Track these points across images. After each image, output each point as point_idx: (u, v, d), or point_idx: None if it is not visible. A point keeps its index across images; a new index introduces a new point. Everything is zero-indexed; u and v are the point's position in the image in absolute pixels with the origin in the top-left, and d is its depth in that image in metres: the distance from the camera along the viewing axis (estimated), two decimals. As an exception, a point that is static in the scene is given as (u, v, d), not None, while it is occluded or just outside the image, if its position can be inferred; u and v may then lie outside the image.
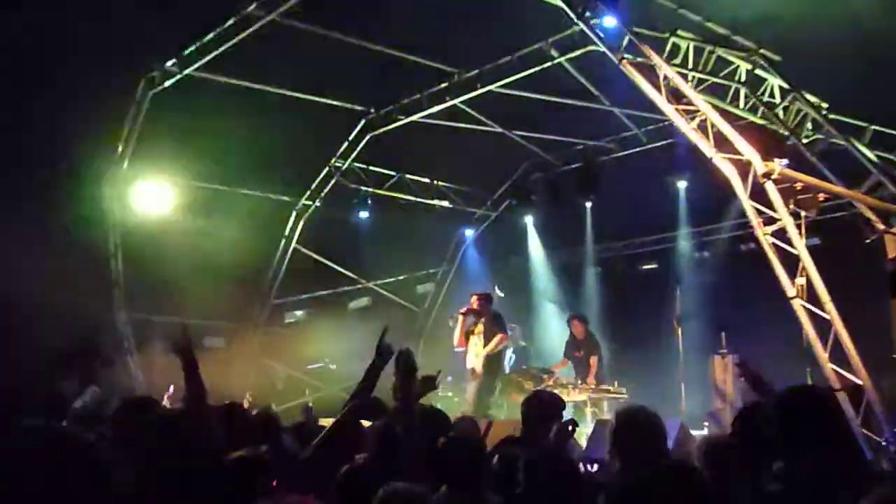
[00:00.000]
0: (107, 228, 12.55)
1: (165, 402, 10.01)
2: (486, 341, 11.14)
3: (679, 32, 9.78)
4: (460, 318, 11.52)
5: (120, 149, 12.21)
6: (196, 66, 11.15)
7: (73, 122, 10.48)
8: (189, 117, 11.56)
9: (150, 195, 12.74)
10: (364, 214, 14.84)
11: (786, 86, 10.55)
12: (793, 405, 3.65)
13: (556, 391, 10.79)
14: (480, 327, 11.30)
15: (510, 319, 13.69)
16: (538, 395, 5.92)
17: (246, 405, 9.00)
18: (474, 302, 11.53)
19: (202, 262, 12.40)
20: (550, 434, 4.93)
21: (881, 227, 10.33)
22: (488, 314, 11.40)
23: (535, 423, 5.29)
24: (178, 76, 11.40)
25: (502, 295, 15.83)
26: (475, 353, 11.22)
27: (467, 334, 11.42)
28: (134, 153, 12.25)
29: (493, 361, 11.16)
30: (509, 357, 13.08)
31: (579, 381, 11.75)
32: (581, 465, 5.83)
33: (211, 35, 10.69)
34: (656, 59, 9.17)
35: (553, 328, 15.04)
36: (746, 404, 4.54)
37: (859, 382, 8.72)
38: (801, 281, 8.86)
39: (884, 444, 8.32)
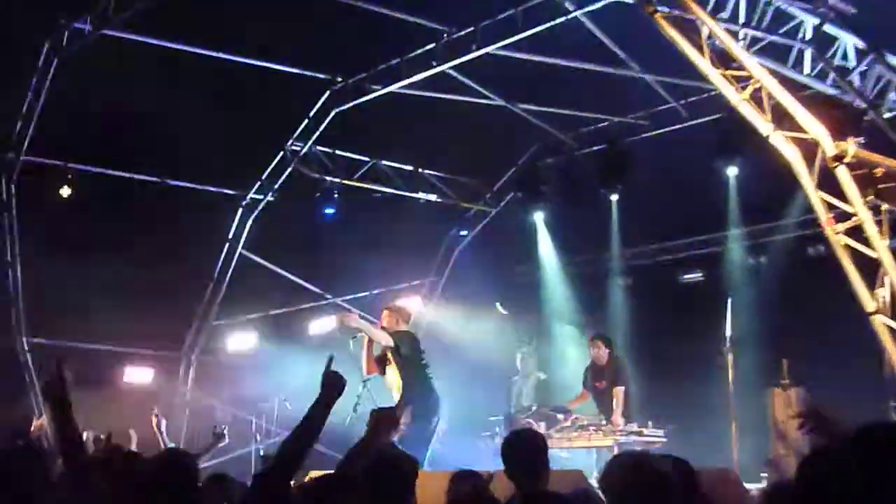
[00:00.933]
0: (3, 231, 12.58)
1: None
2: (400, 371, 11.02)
3: (727, -23, 9.87)
4: (364, 338, 11.27)
5: (18, 127, 12.23)
6: (114, 24, 11.19)
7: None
8: (104, 89, 11.58)
9: (53, 186, 12.77)
10: (329, 211, 14.84)
11: (863, 46, 10.61)
12: (871, 448, 3.58)
13: (574, 435, 11.01)
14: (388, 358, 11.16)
15: (518, 345, 13.74)
16: (511, 437, 5.99)
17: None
18: (385, 317, 11.39)
19: (122, 274, 12.41)
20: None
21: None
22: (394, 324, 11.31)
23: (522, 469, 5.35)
24: (91, 37, 11.42)
25: (505, 314, 15.87)
26: (396, 387, 11.14)
27: (380, 360, 11.23)
28: (35, 132, 12.26)
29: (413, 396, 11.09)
30: (520, 392, 13.10)
31: (603, 421, 11.76)
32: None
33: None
34: (698, 12, 9.23)
35: (572, 355, 15.06)
36: (813, 449, 4.51)
37: (957, 420, 8.78)
38: (882, 292, 8.91)
39: None
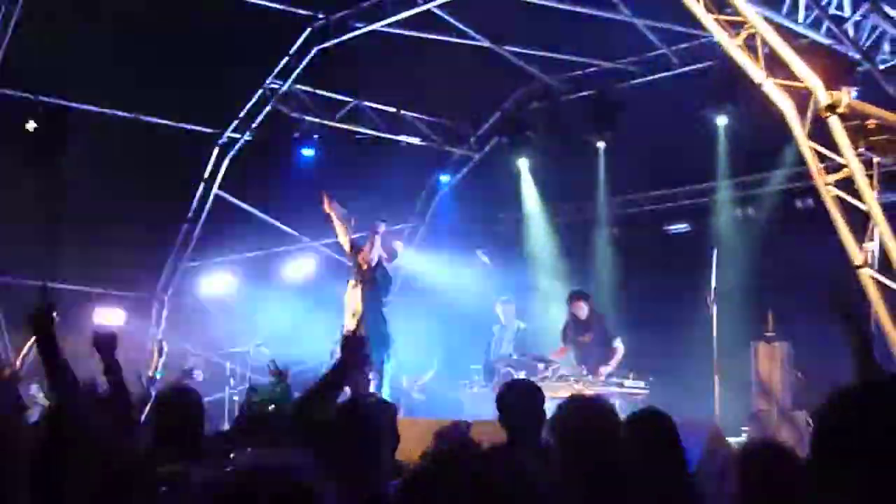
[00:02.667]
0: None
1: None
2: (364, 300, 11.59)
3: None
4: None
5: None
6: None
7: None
8: (76, 19, 11.47)
9: (21, 119, 12.68)
10: (308, 152, 14.79)
11: (859, -7, 10.60)
12: None
13: (555, 384, 11.10)
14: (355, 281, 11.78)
15: (498, 294, 13.79)
16: (512, 385, 6.08)
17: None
18: (376, 239, 11.95)
19: (92, 213, 12.36)
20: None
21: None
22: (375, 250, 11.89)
23: (521, 423, 5.38)
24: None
25: (488, 262, 15.91)
26: (354, 310, 11.66)
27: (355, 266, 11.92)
28: (2, 63, 12.13)
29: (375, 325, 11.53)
30: (500, 341, 13.16)
31: (584, 372, 11.86)
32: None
33: None
34: (693, -45, 9.19)
35: (557, 305, 15.11)
36: (838, 392, 3.90)
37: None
38: (871, 245, 8.98)
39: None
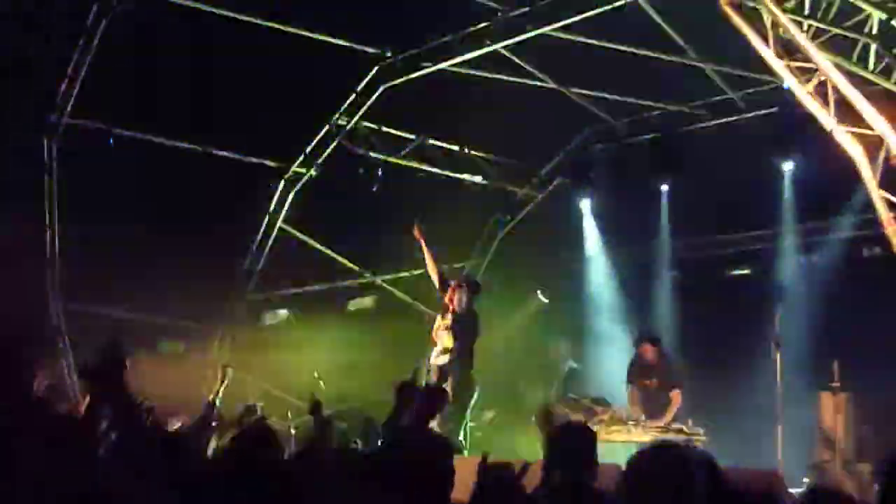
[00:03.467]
0: (44, 195, 12.72)
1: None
2: (456, 338, 11.34)
3: (794, -34, 9.77)
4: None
5: (63, 88, 12.33)
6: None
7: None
8: (151, 52, 11.67)
9: (96, 151, 12.88)
10: (372, 188, 14.86)
11: (931, 42, 10.48)
12: None
13: (612, 429, 11.00)
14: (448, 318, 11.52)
15: (558, 333, 13.75)
16: (566, 427, 6.03)
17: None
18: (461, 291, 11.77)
19: (159, 243, 12.50)
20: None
21: None
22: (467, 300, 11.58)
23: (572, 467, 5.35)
24: None
25: (547, 301, 15.88)
26: (442, 348, 11.43)
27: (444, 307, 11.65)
28: (79, 95, 12.36)
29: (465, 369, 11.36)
30: (554, 383, 13.13)
31: (643, 418, 11.74)
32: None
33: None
34: (765, 1, 9.15)
35: (615, 347, 15.02)
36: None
37: None
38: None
39: None
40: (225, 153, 14.22)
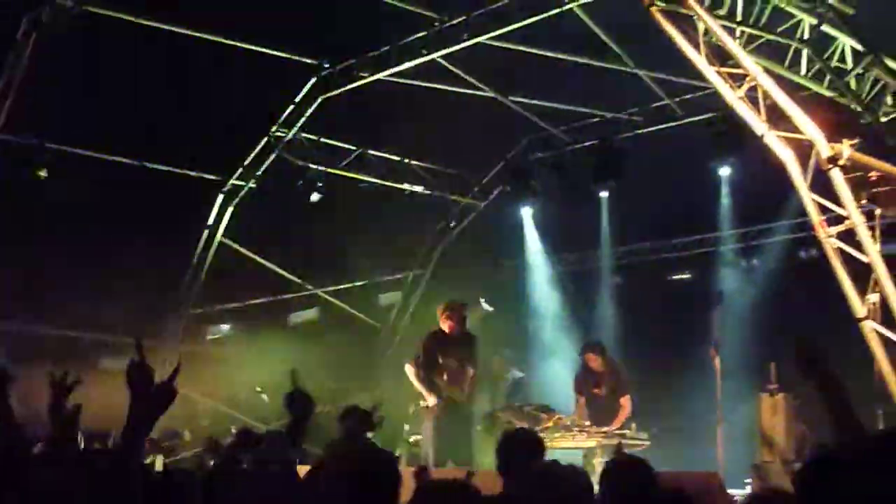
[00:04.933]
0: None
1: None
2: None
3: (725, -27, 9.92)
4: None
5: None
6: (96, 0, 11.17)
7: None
8: (84, 68, 11.56)
9: (30, 166, 12.74)
10: (313, 198, 14.80)
11: (860, 48, 10.67)
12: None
13: (556, 435, 11.04)
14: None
15: (501, 342, 13.79)
16: (513, 434, 6.05)
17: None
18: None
19: (97, 260, 12.38)
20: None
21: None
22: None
23: (520, 473, 5.37)
24: (73, 13, 11.39)
25: (490, 310, 15.91)
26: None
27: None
28: (11, 111, 12.21)
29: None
30: (498, 391, 13.16)
31: (588, 424, 11.80)
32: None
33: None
34: (695, 7, 9.29)
35: (559, 355, 15.11)
36: (814, 453, 4.01)
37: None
38: (873, 298, 8.98)
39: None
40: (163, 167, 14.11)
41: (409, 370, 11.35)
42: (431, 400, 11.13)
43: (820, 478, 3.54)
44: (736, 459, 11.15)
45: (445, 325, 11.42)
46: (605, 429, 11.61)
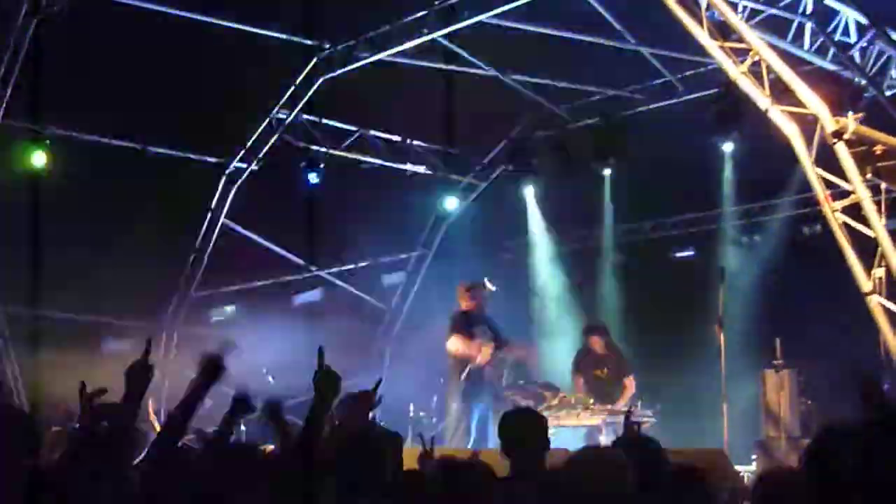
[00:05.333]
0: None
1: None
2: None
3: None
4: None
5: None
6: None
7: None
8: (82, 52, 11.51)
9: (27, 150, 12.72)
10: (314, 181, 14.77)
11: (864, 20, 10.58)
12: None
13: (561, 413, 11.04)
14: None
15: (505, 321, 13.74)
16: (514, 413, 6.02)
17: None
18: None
19: (100, 243, 12.36)
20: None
21: None
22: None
23: (523, 452, 5.35)
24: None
25: (494, 289, 15.85)
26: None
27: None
28: (10, 95, 12.19)
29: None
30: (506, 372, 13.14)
31: (592, 402, 11.80)
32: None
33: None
34: (697, -18, 9.21)
35: (563, 335, 15.09)
36: (823, 429, 3.95)
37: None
38: (879, 272, 8.95)
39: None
40: (164, 150, 14.08)
41: (456, 340, 11.39)
42: (486, 351, 11.20)
43: (829, 452, 3.56)
44: (741, 436, 11.15)
45: (468, 304, 11.54)
46: (609, 406, 11.63)
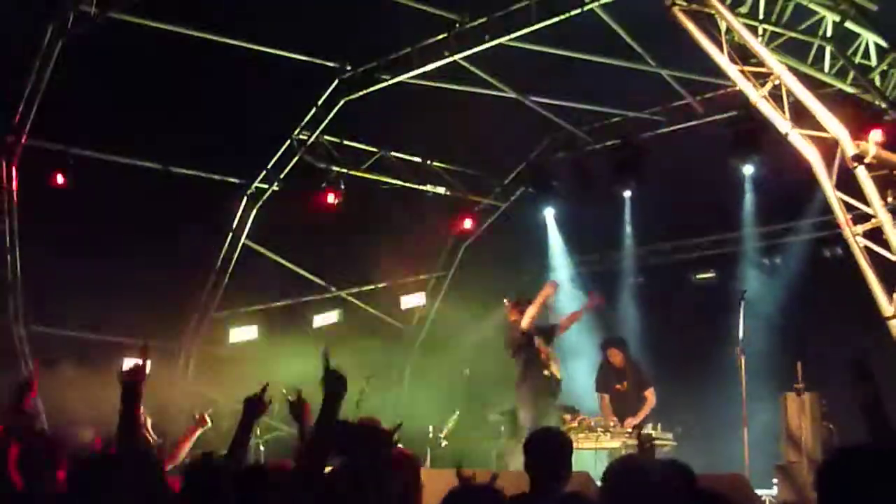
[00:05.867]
0: (2, 215, 12.61)
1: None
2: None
3: (747, -29, 9.86)
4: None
5: (21, 110, 12.25)
6: (120, 7, 11.20)
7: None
8: (108, 73, 11.61)
9: (55, 171, 12.82)
10: (334, 201, 14.79)
11: (884, 44, 10.59)
12: None
13: (581, 436, 11.01)
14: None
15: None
16: (539, 435, 6.00)
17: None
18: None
19: (122, 262, 12.42)
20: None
21: None
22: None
23: (546, 472, 5.36)
24: (96, 20, 11.44)
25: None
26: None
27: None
28: (37, 116, 12.29)
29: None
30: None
31: (612, 424, 11.76)
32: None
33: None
34: (717, 6, 9.23)
35: (583, 355, 15.03)
36: (832, 453, 3.92)
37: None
38: (901, 296, 8.91)
39: None
40: (186, 171, 14.16)
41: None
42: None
43: (841, 475, 3.52)
44: (761, 460, 11.09)
45: (517, 318, 11.59)
46: (629, 429, 11.59)
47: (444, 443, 13.41)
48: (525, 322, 11.35)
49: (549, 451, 5.52)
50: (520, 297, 11.96)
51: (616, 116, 14.74)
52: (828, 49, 10.48)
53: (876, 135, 9.28)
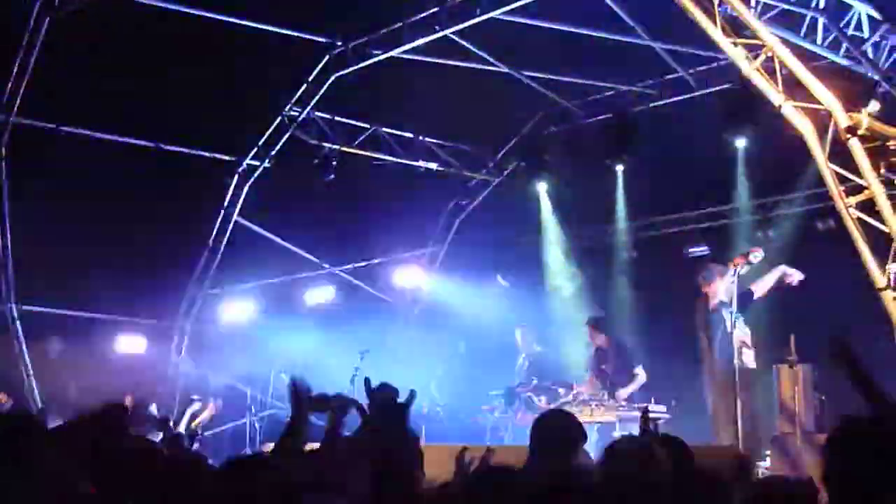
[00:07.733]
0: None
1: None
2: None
3: (739, -57, 9.82)
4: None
5: (9, 87, 12.22)
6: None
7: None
8: (97, 49, 11.57)
9: (45, 149, 12.78)
10: (327, 178, 14.79)
11: (877, 15, 10.56)
12: None
13: (575, 410, 11.03)
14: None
15: (518, 317, 13.78)
16: (551, 414, 6.02)
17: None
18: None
19: (114, 241, 12.42)
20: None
21: None
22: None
23: (546, 452, 5.36)
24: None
25: (506, 285, 15.91)
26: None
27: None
28: (26, 93, 12.26)
29: None
30: (521, 365, 13.17)
31: (605, 396, 11.81)
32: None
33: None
34: (710, -22, 9.20)
35: (576, 330, 15.06)
36: (840, 424, 3.82)
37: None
38: (893, 267, 8.93)
39: None
40: (178, 149, 14.13)
41: None
42: None
43: (849, 444, 3.56)
44: (757, 432, 11.14)
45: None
46: (621, 401, 11.64)
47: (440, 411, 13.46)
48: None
49: (558, 431, 5.54)
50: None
51: (608, 90, 14.71)
52: (820, 20, 10.47)
53: (873, 105, 9.27)
